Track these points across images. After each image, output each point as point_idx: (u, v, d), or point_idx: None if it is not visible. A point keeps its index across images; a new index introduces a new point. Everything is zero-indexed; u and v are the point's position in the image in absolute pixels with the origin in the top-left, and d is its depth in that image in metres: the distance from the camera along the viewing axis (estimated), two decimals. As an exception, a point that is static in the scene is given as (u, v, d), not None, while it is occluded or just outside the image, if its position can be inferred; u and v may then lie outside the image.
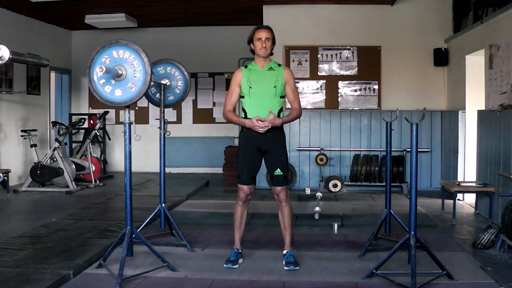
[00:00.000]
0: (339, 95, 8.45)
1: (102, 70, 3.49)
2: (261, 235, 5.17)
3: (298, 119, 4.69)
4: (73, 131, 9.92)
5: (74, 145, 9.81)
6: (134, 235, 3.98)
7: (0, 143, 8.23)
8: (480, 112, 6.34)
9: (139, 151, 8.81)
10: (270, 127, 3.95)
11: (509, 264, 4.17)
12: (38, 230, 5.21)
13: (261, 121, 3.93)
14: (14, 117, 8.62)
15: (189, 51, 9.99)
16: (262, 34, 4.05)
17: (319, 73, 8.46)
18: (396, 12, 8.32)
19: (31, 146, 8.10)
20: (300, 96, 4.35)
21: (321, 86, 8.47)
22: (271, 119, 3.93)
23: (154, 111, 10.08)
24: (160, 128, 4.89)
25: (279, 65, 4.20)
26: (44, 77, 9.47)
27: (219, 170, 9.19)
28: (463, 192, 6.37)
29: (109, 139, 9.79)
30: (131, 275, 3.81)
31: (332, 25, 8.40)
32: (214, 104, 10.51)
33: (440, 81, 8.28)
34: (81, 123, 9.22)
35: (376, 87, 8.40)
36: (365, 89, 8.41)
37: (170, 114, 10.19)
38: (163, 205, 4.88)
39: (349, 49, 8.42)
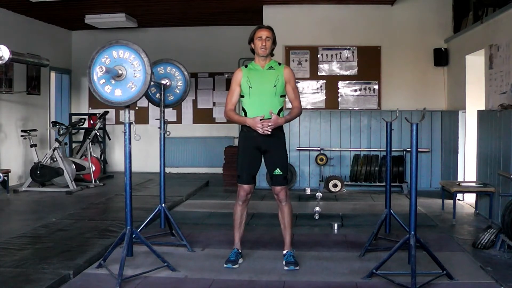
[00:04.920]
0: (339, 95, 8.45)
1: (102, 70, 3.49)
2: (261, 235, 5.17)
3: (298, 118, 4.70)
4: (73, 131, 9.92)
5: (74, 145, 9.82)
6: (134, 235, 3.98)
7: (0, 143, 8.23)
8: (480, 112, 6.33)
9: (139, 151, 8.81)
10: (274, 127, 3.95)
11: (509, 264, 4.17)
12: (38, 230, 5.21)
13: (265, 121, 3.92)
14: (14, 117, 8.62)
15: (189, 51, 9.99)
16: (263, 33, 4.06)
17: (319, 73, 8.46)
18: (396, 12, 8.32)
19: (31, 146, 8.10)
20: (300, 96, 4.37)
21: (321, 86, 8.47)
22: (274, 119, 3.93)
23: (154, 111, 10.08)
24: (160, 128, 4.89)
25: (279, 64, 4.20)
26: (44, 77, 9.47)
27: (219, 170, 9.19)
28: (463, 192, 6.37)
29: (109, 139, 9.79)
30: (131, 275, 3.81)
31: (332, 25, 8.40)
32: (214, 104, 10.51)
33: (440, 81, 8.28)
34: (81, 123, 9.21)
35: (376, 87, 8.40)
36: (365, 89, 8.41)
37: (170, 114, 10.19)
38: (163, 205, 4.88)
39: (349, 49, 8.42)
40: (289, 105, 4.29)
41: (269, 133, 3.94)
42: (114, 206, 6.68)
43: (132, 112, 9.40)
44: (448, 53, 8.13)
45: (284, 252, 4.19)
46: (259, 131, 3.94)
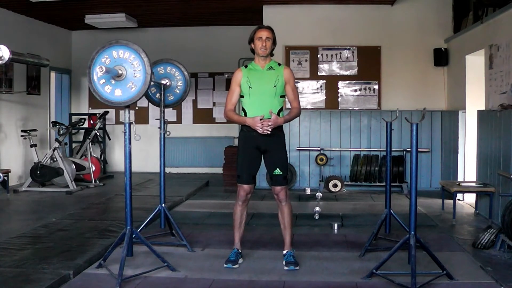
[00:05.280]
0: (339, 95, 8.45)
1: (102, 70, 3.49)
2: (261, 235, 5.17)
3: (298, 118, 4.70)
4: (73, 131, 9.92)
5: (74, 145, 9.82)
6: (134, 235, 3.99)
7: (0, 143, 8.23)
8: (480, 112, 6.33)
9: (139, 151, 8.81)
10: (273, 127, 3.96)
11: (509, 264, 4.17)
12: (38, 230, 5.21)
13: (265, 121, 3.92)
14: (14, 117, 8.62)
15: (189, 51, 9.99)
16: (263, 34, 4.06)
17: (319, 73, 8.46)
18: (396, 12, 8.32)
19: (31, 146, 8.10)
20: (300, 96, 4.37)
21: (321, 86, 8.47)
22: (274, 118, 3.94)
23: (154, 111, 10.08)
24: (160, 128, 4.89)
25: (279, 64, 4.20)
26: (44, 77, 9.47)
27: (219, 170, 9.20)
28: (463, 192, 6.37)
29: (109, 139, 9.79)
30: (131, 275, 3.81)
31: (332, 25, 8.40)
32: (214, 104, 10.51)
33: (440, 81, 8.28)
34: (81, 123, 9.22)
35: (376, 87, 8.40)
36: (365, 89, 8.41)
37: (170, 114, 10.19)
38: (163, 205, 4.88)
39: (349, 49, 8.42)
40: (289, 106, 4.29)
41: (269, 132, 3.95)
42: (114, 206, 6.68)
43: (132, 112, 9.41)
44: (448, 53, 8.13)
45: (284, 252, 4.19)
46: (258, 131, 3.94)
